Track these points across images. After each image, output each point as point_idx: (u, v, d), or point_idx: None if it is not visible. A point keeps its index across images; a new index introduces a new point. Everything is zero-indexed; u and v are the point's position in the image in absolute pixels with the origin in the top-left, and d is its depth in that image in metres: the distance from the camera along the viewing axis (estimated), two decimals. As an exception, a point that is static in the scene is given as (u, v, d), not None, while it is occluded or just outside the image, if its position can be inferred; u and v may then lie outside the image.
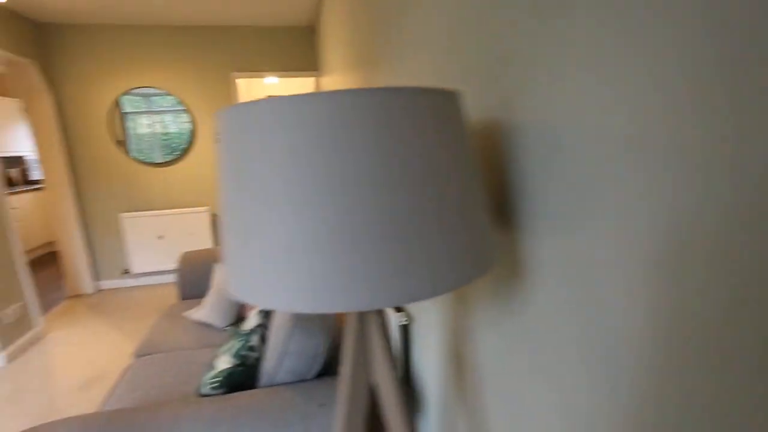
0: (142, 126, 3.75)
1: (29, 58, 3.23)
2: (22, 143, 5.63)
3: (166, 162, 3.82)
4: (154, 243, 3.85)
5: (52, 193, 3.62)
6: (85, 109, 3.62)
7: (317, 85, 4.06)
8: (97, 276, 3.90)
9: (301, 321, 1.18)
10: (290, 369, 1.19)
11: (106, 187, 3.77)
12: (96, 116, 3.64)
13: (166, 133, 3.79)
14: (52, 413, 2.11)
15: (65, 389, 2.32)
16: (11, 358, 2.64)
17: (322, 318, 1.23)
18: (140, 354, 1.82)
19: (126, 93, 3.64)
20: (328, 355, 1.23)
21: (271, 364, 1.20)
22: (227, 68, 3.79)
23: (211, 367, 1.30)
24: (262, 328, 1.36)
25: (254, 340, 1.33)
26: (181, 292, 2.48)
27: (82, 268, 3.79)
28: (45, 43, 3.46)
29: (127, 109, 3.69)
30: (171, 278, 4.02)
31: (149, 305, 3.46)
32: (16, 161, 5.67)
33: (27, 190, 5.20)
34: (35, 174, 5.82)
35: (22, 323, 2.80)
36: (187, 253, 2.57)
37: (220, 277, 2.15)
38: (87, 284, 3.83)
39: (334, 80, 2.98)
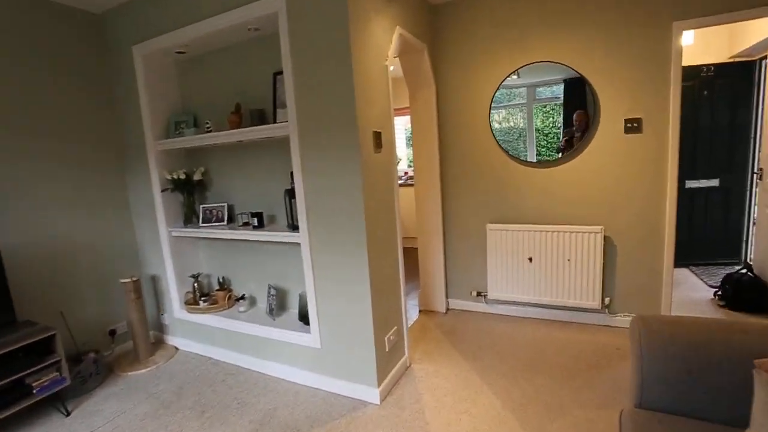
0: (525, 118, 2.90)
1: (425, 43, 2.87)
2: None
3: (548, 161, 2.85)
4: (521, 265, 2.95)
5: (420, 189, 3.27)
6: (462, 99, 3.06)
7: None
8: (448, 292, 3.38)
9: None
10: None
11: (473, 190, 3.14)
12: (472, 107, 3.03)
13: (551, 124, 2.81)
14: None
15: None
16: (383, 394, 2.17)
17: None
18: None
19: (505, 81, 2.86)
20: None
21: None
22: (663, 16, 2.44)
23: None
24: None
25: None
26: (638, 383, 1.31)
27: (437, 280, 3.32)
28: (435, 27, 3.08)
29: (507, 99, 2.92)
30: (531, 313, 3.05)
31: (515, 351, 2.54)
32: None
33: (405, 185, 5.29)
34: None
35: (396, 349, 2.35)
36: (648, 318, 1.38)
37: None
38: (439, 301, 3.34)
39: None
